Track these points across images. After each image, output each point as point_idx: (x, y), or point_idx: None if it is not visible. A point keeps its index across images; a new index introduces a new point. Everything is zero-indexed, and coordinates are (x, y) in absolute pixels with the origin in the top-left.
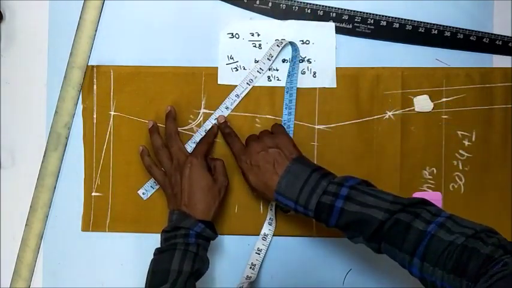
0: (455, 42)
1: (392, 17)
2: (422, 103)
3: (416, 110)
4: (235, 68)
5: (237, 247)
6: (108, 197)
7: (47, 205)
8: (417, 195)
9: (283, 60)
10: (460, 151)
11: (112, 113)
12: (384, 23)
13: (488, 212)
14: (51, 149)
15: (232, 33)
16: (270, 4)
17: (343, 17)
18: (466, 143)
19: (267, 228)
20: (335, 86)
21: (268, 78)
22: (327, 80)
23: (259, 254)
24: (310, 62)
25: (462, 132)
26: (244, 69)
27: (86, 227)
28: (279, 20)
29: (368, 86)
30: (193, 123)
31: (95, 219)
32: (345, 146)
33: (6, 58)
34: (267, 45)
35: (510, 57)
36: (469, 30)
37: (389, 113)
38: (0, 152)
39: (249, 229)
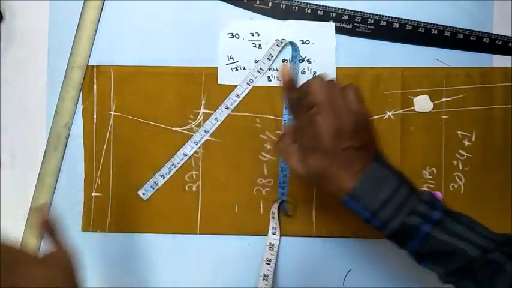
0: (455, 42)
1: (392, 17)
2: (422, 103)
3: (416, 110)
4: (235, 68)
5: (237, 247)
6: (108, 197)
7: (47, 205)
8: None
9: (283, 60)
10: (460, 151)
11: (112, 113)
12: (384, 23)
13: (488, 212)
14: (51, 149)
15: (232, 33)
16: (270, 4)
17: (343, 17)
18: (466, 143)
19: (271, 238)
20: None
21: (268, 78)
22: None
23: (269, 264)
24: (310, 62)
25: (462, 132)
26: (244, 69)
27: (86, 227)
28: (279, 20)
29: (368, 86)
30: (193, 123)
31: (95, 219)
32: None
33: (6, 58)
34: (267, 45)
35: (510, 57)
36: (469, 30)
37: (389, 113)
38: (0, 152)
39: (249, 229)
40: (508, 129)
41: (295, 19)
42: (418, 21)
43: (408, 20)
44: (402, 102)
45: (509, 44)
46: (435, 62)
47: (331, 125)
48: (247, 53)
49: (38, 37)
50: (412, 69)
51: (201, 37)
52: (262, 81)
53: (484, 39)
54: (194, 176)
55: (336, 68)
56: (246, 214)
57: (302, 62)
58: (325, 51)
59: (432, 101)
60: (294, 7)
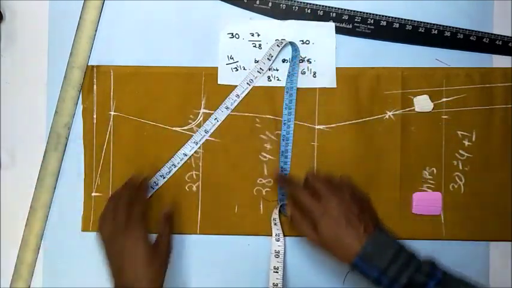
0: (455, 42)
1: (392, 17)
2: (423, 103)
3: (416, 110)
4: (235, 68)
5: (237, 247)
6: (108, 197)
7: (47, 205)
8: (417, 195)
9: (283, 60)
10: (460, 151)
11: (112, 113)
12: (384, 23)
13: (488, 212)
14: (51, 149)
15: (232, 33)
16: (270, 4)
17: (343, 17)
18: (466, 143)
19: (276, 245)
20: (335, 86)
21: (268, 78)
22: (327, 80)
23: (277, 272)
24: (310, 62)
25: (462, 132)
26: (244, 69)
27: (86, 227)
28: (279, 20)
29: (368, 86)
30: (193, 123)
31: (95, 219)
32: (345, 146)
33: (6, 58)
34: (267, 45)
35: (510, 57)
36: (469, 30)
37: (390, 113)
38: (0, 152)
39: (249, 229)
40: (508, 129)
41: (295, 19)
42: (418, 21)
43: (408, 20)
44: (402, 102)
45: (509, 44)
46: (435, 62)
47: (334, 199)
48: (247, 53)
49: (38, 37)
50: (412, 69)
51: (201, 37)
52: (262, 81)
53: (484, 39)
54: (194, 176)
55: (336, 68)
56: (246, 214)
57: (302, 62)
58: (325, 51)
59: (432, 101)
60: (294, 7)
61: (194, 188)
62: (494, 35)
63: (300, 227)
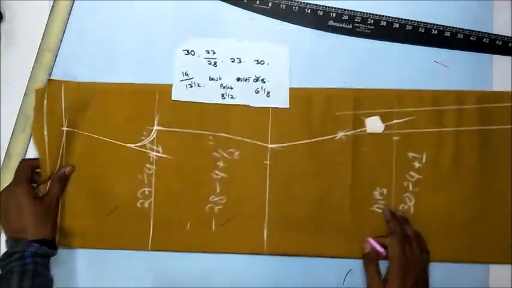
0: (455, 42)
1: (392, 17)
2: (374, 124)
3: (367, 131)
4: (190, 84)
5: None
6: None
7: None
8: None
9: (238, 79)
10: (411, 172)
11: (65, 128)
12: (384, 23)
13: (435, 233)
14: (18, 129)
15: (188, 50)
16: (270, 4)
17: (343, 17)
18: (417, 164)
19: None
20: (288, 106)
21: (222, 96)
22: (280, 100)
23: None
24: (264, 82)
25: (413, 154)
26: (198, 86)
27: None
28: (235, 39)
29: (320, 106)
30: (146, 140)
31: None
32: (296, 166)
33: (6, 58)
34: (222, 64)
35: (510, 57)
36: (469, 30)
37: (341, 134)
38: (0, 151)
39: (201, 246)
40: (458, 151)
41: (295, 19)
42: (418, 21)
43: (408, 20)
44: (354, 123)
45: (509, 44)
46: (435, 63)
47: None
48: (202, 70)
49: (38, 37)
50: (364, 90)
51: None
52: (216, 99)
53: (484, 39)
54: (146, 193)
55: (289, 88)
56: (197, 231)
57: (256, 81)
58: (279, 72)
59: (384, 123)
60: (294, 7)
61: (146, 205)
62: (494, 35)
63: (370, 265)
